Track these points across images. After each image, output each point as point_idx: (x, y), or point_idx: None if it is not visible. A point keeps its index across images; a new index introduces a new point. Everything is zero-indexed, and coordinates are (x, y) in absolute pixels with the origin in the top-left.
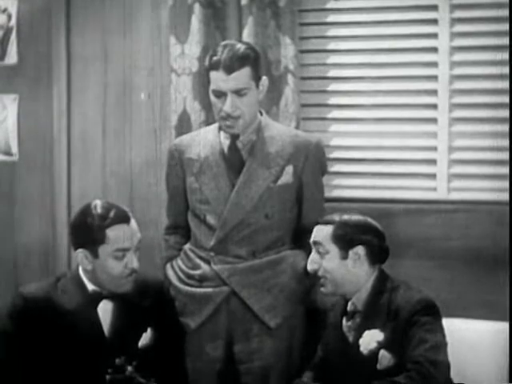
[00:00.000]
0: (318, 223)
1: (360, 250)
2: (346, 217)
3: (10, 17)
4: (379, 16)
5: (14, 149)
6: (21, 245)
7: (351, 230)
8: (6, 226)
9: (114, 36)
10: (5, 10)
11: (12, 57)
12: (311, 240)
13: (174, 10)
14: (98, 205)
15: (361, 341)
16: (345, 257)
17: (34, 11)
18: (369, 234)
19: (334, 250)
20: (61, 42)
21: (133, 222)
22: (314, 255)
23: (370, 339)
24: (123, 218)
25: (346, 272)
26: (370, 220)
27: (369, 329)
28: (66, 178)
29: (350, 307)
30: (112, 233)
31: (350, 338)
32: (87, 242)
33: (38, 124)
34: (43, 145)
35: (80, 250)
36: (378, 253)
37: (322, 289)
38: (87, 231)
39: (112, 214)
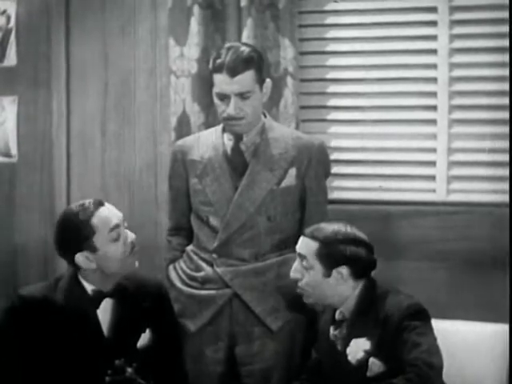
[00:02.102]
0: (303, 235)
1: (344, 269)
2: (331, 234)
3: (9, 18)
4: (379, 18)
5: (14, 150)
6: (20, 246)
7: (336, 250)
8: (6, 227)
9: (113, 38)
10: (4, 12)
11: (11, 58)
12: (296, 250)
13: (173, 12)
14: (70, 208)
15: (348, 350)
16: (328, 275)
17: (34, 13)
18: (355, 251)
19: (317, 266)
20: (60, 43)
21: (107, 204)
22: (297, 265)
23: (357, 349)
24: (99, 203)
25: (327, 288)
26: (358, 233)
27: (356, 337)
28: (65, 179)
29: (338, 316)
30: (96, 219)
31: (339, 347)
32: (80, 243)
33: (37, 125)
34: (42, 146)
35: (78, 255)
36: (364, 268)
37: (304, 298)
38: (75, 233)
39: (87, 204)
